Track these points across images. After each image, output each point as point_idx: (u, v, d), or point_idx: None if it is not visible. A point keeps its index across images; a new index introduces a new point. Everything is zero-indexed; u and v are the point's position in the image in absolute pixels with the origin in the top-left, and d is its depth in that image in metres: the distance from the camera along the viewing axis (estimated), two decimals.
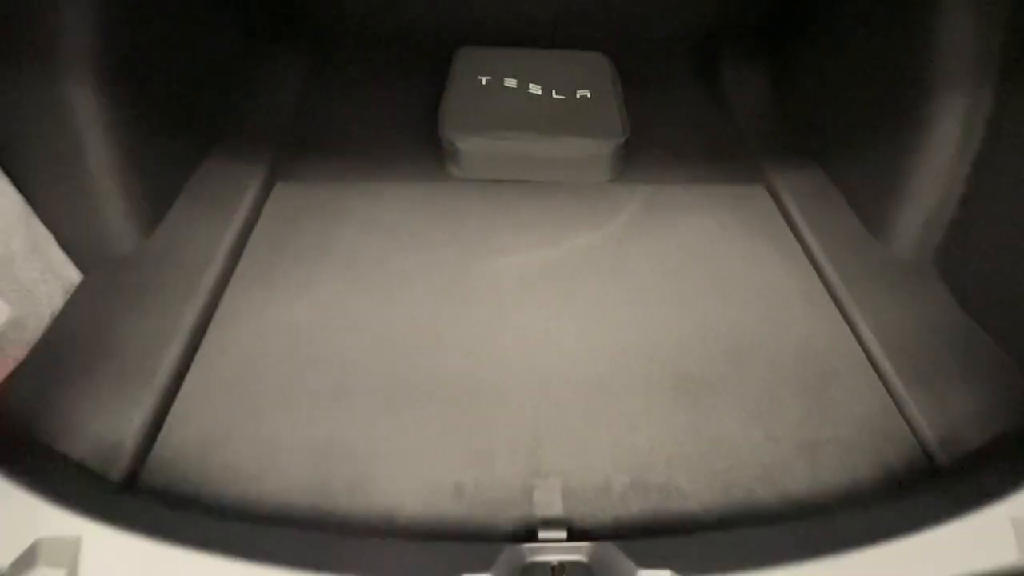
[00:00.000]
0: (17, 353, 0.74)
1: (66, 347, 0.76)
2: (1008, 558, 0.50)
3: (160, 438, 0.70)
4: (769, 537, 0.53)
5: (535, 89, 1.19)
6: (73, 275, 0.84)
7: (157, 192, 0.94)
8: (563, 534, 0.58)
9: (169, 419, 0.72)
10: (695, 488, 0.67)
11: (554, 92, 1.18)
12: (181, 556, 0.47)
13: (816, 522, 0.57)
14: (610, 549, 0.52)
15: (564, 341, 0.83)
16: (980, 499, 0.53)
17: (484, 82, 1.20)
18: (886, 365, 0.79)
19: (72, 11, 0.78)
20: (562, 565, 0.51)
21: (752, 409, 0.75)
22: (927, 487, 0.65)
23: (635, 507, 0.64)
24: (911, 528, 0.51)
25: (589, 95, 1.18)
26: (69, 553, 0.47)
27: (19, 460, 0.54)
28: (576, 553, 0.54)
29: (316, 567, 0.47)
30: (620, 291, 0.91)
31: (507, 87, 1.20)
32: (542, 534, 0.58)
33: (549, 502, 0.64)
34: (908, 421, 0.74)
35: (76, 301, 0.82)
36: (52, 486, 0.51)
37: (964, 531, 0.51)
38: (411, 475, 0.67)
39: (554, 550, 0.54)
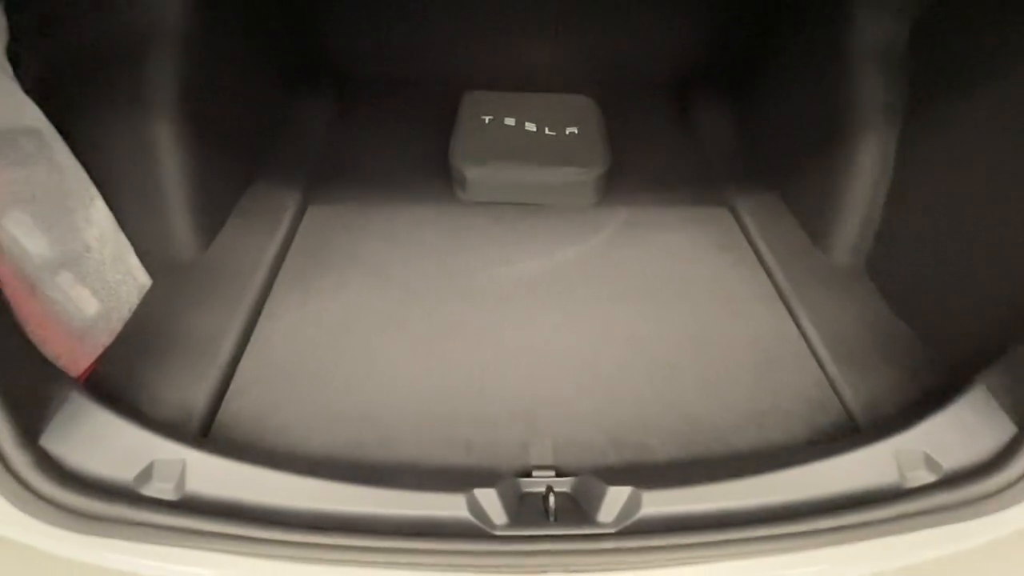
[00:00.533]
0: (105, 339, 0.90)
1: (143, 335, 0.92)
2: (891, 479, 0.65)
3: (222, 407, 0.85)
4: (712, 467, 0.68)
5: (531, 127, 1.39)
6: (145, 279, 1.01)
7: (214, 212, 1.12)
8: (552, 474, 0.72)
9: (229, 393, 0.87)
10: (662, 445, 0.82)
11: (547, 129, 1.38)
12: (261, 474, 0.62)
13: (751, 459, 0.72)
14: (588, 479, 0.67)
15: (555, 332, 0.99)
16: (873, 439, 0.68)
17: (487, 121, 1.40)
18: (822, 350, 0.95)
19: (159, 67, 0.98)
20: (550, 488, 0.66)
21: (711, 386, 0.91)
22: (843, 438, 0.80)
23: (612, 458, 0.79)
24: (819, 458, 0.66)
25: (577, 131, 1.38)
26: (176, 471, 0.62)
27: (125, 408, 0.69)
28: (562, 486, 0.69)
29: (361, 482, 0.62)
30: (603, 294, 1.07)
31: (507, 125, 1.39)
32: (535, 474, 0.72)
33: (542, 454, 0.79)
34: (838, 394, 0.89)
35: (150, 299, 0.98)
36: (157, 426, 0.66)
37: (859, 460, 0.66)
38: (430, 435, 0.82)
39: (544, 483, 0.69)
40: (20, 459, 0.58)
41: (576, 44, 1.61)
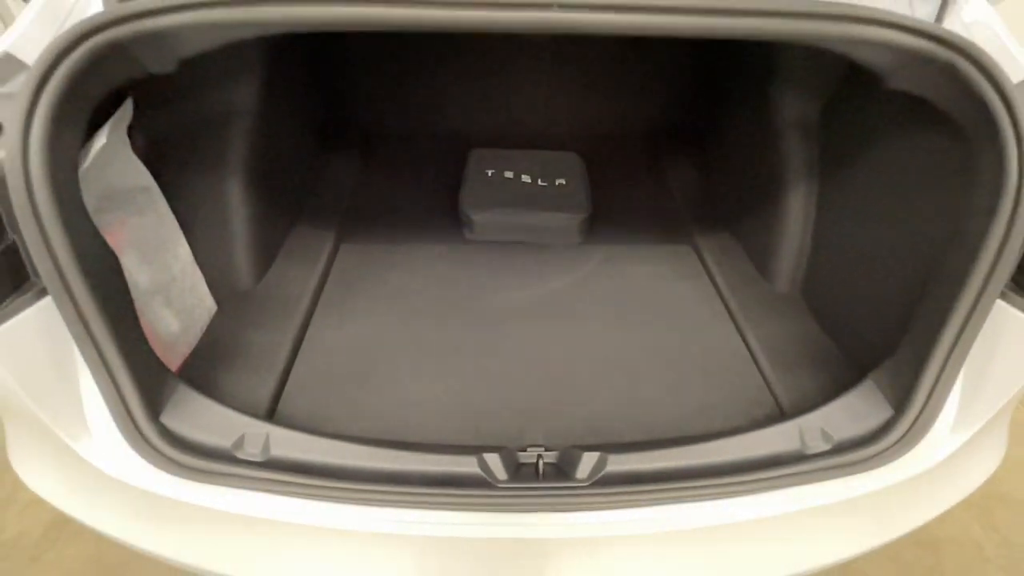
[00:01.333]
0: (184, 351, 1.13)
1: (214, 349, 1.14)
2: (795, 446, 0.86)
3: (279, 407, 1.06)
4: (665, 442, 0.89)
5: (526, 178, 1.65)
6: (213, 305, 1.24)
7: (266, 251, 1.36)
8: (542, 449, 0.93)
9: (284, 393, 1.09)
10: (629, 431, 1.03)
11: (539, 180, 1.64)
12: (323, 442, 0.83)
13: (696, 437, 0.92)
14: (569, 451, 0.88)
15: (545, 345, 1.22)
16: (785, 419, 0.90)
17: (490, 174, 1.66)
18: (763, 359, 1.17)
19: (232, 138, 1.25)
20: (539, 457, 0.86)
21: (669, 387, 1.12)
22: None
23: (588, 439, 0.99)
24: (744, 432, 0.87)
25: (565, 182, 1.64)
26: (262, 440, 0.83)
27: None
28: (549, 457, 0.89)
29: (396, 448, 0.83)
30: (585, 315, 1.31)
31: (507, 177, 1.66)
32: (529, 449, 0.92)
33: (534, 437, 1.00)
34: (772, 393, 1.11)
35: (217, 320, 1.21)
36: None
37: (773, 433, 0.87)
38: (448, 425, 1.03)
39: (536, 454, 0.89)
40: (150, 431, 0.79)
41: (564, 110, 1.92)
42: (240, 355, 1.13)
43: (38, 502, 1.63)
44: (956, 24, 0.87)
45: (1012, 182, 0.74)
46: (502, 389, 1.11)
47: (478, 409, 1.07)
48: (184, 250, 1.18)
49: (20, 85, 0.71)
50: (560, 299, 1.35)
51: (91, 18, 0.70)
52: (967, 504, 1.71)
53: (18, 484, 1.64)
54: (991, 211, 0.76)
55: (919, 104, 0.84)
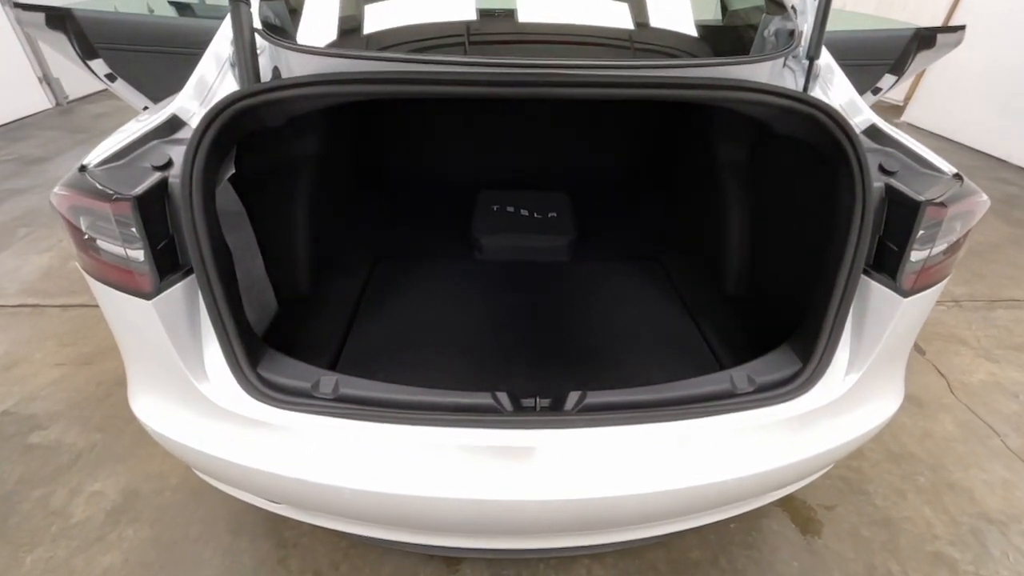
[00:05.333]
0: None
1: (283, 337, 1.45)
2: (727, 387, 1.15)
3: None
4: (631, 386, 1.18)
5: (524, 212, 2.02)
6: (276, 306, 1.56)
7: (320, 264, 1.70)
8: (538, 396, 1.21)
9: (337, 368, 1.38)
10: (605, 388, 1.31)
11: (535, 213, 2.01)
12: (378, 384, 1.12)
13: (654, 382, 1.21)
14: (559, 395, 1.17)
15: (541, 335, 1.53)
16: (722, 369, 1.19)
17: (496, 208, 2.03)
18: (713, 342, 1.48)
19: (301, 176, 1.62)
20: (536, 399, 1.15)
21: (639, 361, 1.42)
22: None
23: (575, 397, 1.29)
24: (691, 377, 1.17)
25: (556, 215, 2.01)
26: (332, 383, 1.12)
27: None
28: (543, 401, 1.18)
29: (431, 388, 1.12)
30: (572, 313, 1.62)
31: (508, 211, 2.03)
32: (529, 397, 1.21)
33: (532, 391, 1.27)
34: (720, 364, 1.41)
35: (283, 315, 1.52)
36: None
37: (713, 379, 1.17)
38: (464, 384, 1.31)
39: (533, 399, 1.18)
40: (252, 376, 1.09)
41: (554, 159, 2.33)
42: (303, 341, 1.44)
43: (101, 493, 1.88)
44: (818, 90, 1.26)
45: (859, 197, 1.08)
46: (508, 363, 1.41)
47: (489, 372, 1.36)
48: (259, 261, 1.51)
49: (186, 134, 1.07)
50: (552, 303, 1.67)
51: (235, 92, 1.07)
52: (919, 490, 1.97)
53: (83, 480, 1.88)
54: (849, 217, 1.10)
55: (807, 147, 1.21)
